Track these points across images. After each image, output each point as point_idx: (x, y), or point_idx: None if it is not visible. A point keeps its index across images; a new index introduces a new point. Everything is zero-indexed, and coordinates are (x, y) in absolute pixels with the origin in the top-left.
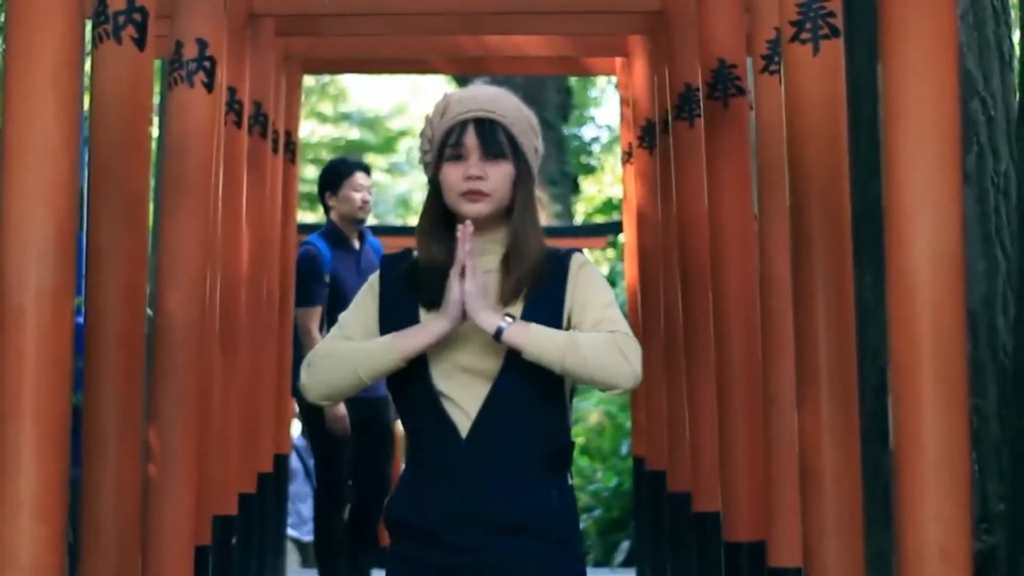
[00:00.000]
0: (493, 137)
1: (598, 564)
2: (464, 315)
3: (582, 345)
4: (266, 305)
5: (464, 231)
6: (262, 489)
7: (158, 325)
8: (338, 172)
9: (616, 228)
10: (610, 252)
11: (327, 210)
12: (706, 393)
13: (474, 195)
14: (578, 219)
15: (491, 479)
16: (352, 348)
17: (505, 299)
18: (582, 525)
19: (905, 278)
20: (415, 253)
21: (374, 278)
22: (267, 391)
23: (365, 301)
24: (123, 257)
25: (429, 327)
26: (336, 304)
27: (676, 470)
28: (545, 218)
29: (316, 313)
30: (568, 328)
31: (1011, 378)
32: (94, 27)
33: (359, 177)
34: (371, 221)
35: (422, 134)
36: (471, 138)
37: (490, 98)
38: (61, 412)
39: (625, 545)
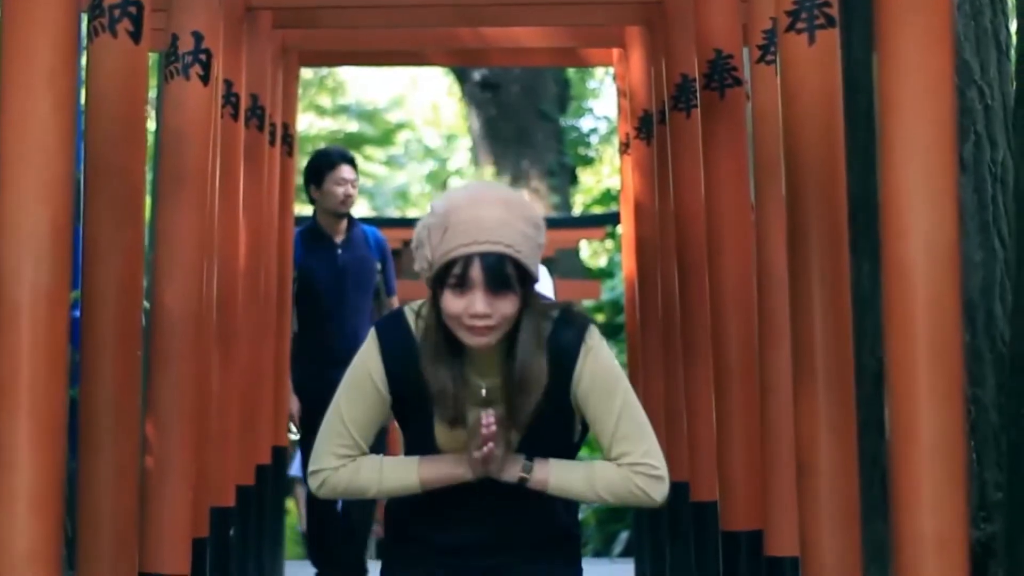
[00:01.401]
0: (500, 271)
1: (597, 554)
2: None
3: (600, 489)
4: (263, 298)
5: (487, 423)
6: (260, 481)
7: (155, 318)
8: (321, 165)
9: (614, 219)
10: (609, 243)
11: (312, 202)
12: (703, 383)
13: (479, 329)
14: (576, 210)
15: (502, 515)
16: (375, 480)
17: (510, 426)
18: (581, 516)
19: (901, 267)
20: (409, 318)
21: (374, 365)
22: (265, 383)
23: (368, 392)
24: (120, 250)
25: (456, 474)
26: (308, 298)
27: (674, 460)
28: (543, 210)
29: None
30: (577, 418)
31: (1009, 367)
32: (90, 21)
33: (343, 170)
34: (369, 213)
35: (419, 245)
36: (476, 272)
37: (496, 225)
38: (57, 406)
39: (623, 535)
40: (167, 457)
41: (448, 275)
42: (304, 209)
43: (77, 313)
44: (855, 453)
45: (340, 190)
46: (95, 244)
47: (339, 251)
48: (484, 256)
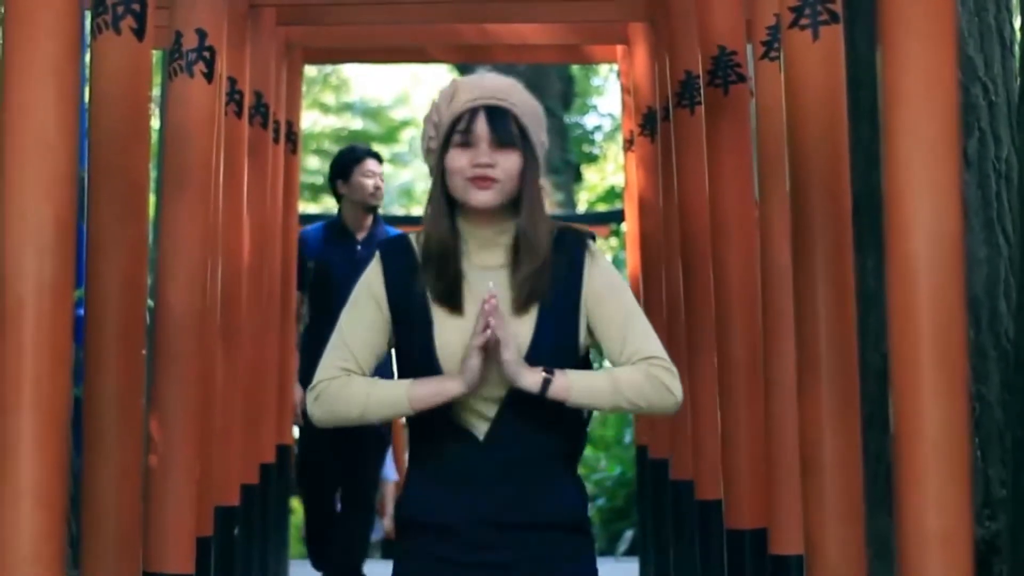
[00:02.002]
0: (504, 125)
1: (602, 553)
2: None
3: (625, 390)
4: (267, 296)
5: (490, 303)
6: (264, 480)
7: (159, 316)
8: (348, 159)
9: (619, 216)
10: (613, 240)
11: (338, 199)
12: (708, 381)
13: (483, 181)
14: (581, 208)
15: (509, 481)
16: (363, 392)
17: (517, 300)
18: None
19: (905, 264)
20: (412, 239)
21: (375, 279)
22: (269, 382)
23: (367, 308)
24: (124, 248)
25: (446, 387)
26: (322, 290)
27: (678, 458)
28: (548, 207)
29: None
30: (583, 325)
31: (1013, 364)
32: (93, 18)
33: (370, 163)
34: None
35: (427, 120)
36: (481, 125)
37: (501, 86)
38: (61, 403)
39: (628, 534)
40: (171, 456)
41: (454, 132)
42: (307, 207)
43: (81, 311)
44: (859, 450)
45: (369, 181)
46: (99, 242)
47: (358, 247)
48: (489, 109)
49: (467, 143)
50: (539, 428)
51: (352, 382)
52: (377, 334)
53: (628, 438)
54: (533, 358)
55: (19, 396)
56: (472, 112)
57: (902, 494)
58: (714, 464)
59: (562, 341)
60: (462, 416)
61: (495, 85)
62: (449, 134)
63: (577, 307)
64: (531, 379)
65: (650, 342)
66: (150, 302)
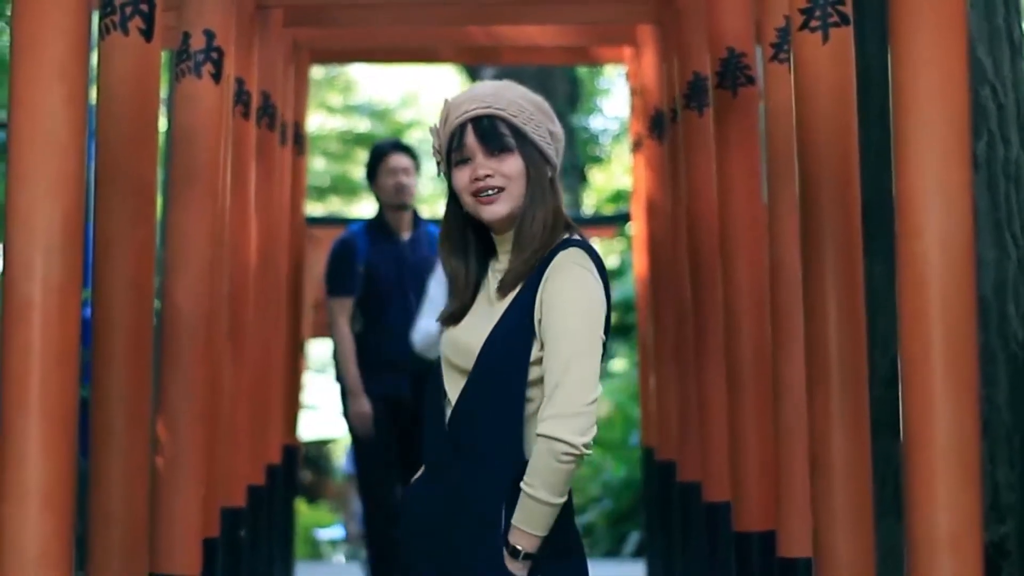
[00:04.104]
0: (493, 132)
1: (607, 554)
2: None
3: (553, 489)
4: (274, 297)
5: None
6: (271, 481)
7: (166, 317)
8: (373, 157)
9: (624, 218)
10: (620, 243)
11: (376, 198)
12: (716, 383)
13: (486, 193)
14: (587, 210)
15: (456, 475)
16: None
17: (503, 289)
18: (591, 516)
19: (915, 266)
20: None
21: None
22: (276, 383)
23: None
24: (131, 249)
25: None
26: (369, 296)
27: (686, 460)
28: None
29: (346, 304)
30: (537, 328)
31: (1022, 367)
32: (101, 18)
33: (393, 159)
34: None
35: (433, 147)
36: (471, 138)
37: (487, 93)
38: (68, 404)
39: (635, 536)
40: (178, 457)
41: (452, 151)
42: (315, 209)
43: (88, 312)
44: (868, 453)
45: (391, 181)
46: (106, 243)
47: (405, 249)
48: (476, 120)
49: (464, 159)
50: (487, 423)
51: None
52: None
53: (634, 440)
54: (489, 345)
55: (26, 397)
56: (462, 127)
57: (912, 497)
58: (722, 466)
59: (515, 336)
60: (443, 404)
61: (481, 93)
62: (448, 154)
63: (532, 305)
64: (515, 566)
65: (562, 383)
66: (157, 303)
